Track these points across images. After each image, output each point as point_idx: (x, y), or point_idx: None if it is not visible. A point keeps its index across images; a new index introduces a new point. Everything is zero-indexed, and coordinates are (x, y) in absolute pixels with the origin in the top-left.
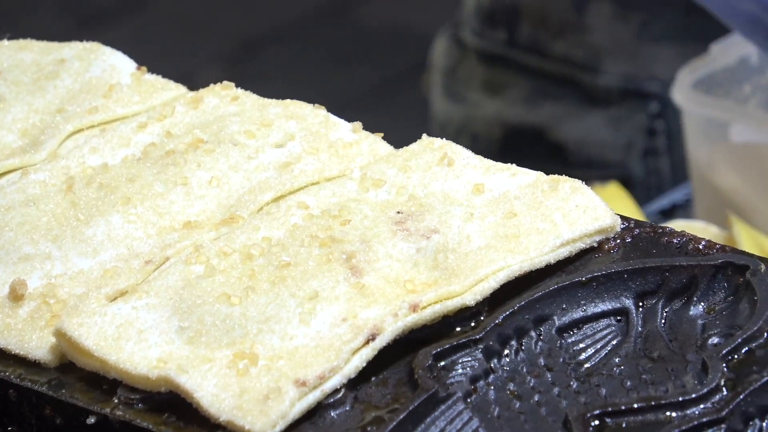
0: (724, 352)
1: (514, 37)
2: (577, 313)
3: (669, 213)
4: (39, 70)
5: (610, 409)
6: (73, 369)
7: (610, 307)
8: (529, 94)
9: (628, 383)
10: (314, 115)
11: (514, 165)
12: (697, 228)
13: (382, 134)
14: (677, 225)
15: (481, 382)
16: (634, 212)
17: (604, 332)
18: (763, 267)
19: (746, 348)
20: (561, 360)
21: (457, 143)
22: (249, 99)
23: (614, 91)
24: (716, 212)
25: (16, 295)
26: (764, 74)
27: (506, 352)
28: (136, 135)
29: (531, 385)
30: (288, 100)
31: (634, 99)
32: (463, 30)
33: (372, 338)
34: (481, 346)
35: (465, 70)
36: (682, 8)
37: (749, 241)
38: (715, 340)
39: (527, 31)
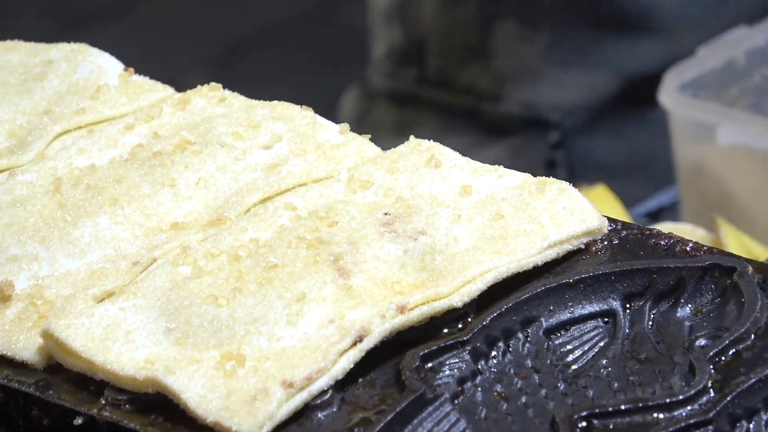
0: (712, 353)
1: (424, 73)
2: (565, 315)
3: (656, 216)
4: (26, 71)
5: (597, 410)
6: (60, 370)
7: (597, 308)
8: (436, 131)
9: (616, 385)
10: (301, 117)
11: (501, 167)
12: (684, 230)
13: (369, 136)
14: (664, 227)
15: (469, 384)
16: (622, 215)
17: (592, 334)
18: (750, 269)
19: (733, 350)
20: (548, 361)
21: None
22: (236, 100)
23: (515, 120)
24: (703, 215)
25: (3, 296)
26: (751, 77)
27: (493, 353)
28: (124, 136)
29: (518, 386)
30: (275, 102)
31: (534, 128)
32: (372, 78)
33: (359, 340)
34: (468, 348)
35: (375, 116)
36: (590, 28)
37: (736, 243)
38: (702, 341)
39: (436, 64)
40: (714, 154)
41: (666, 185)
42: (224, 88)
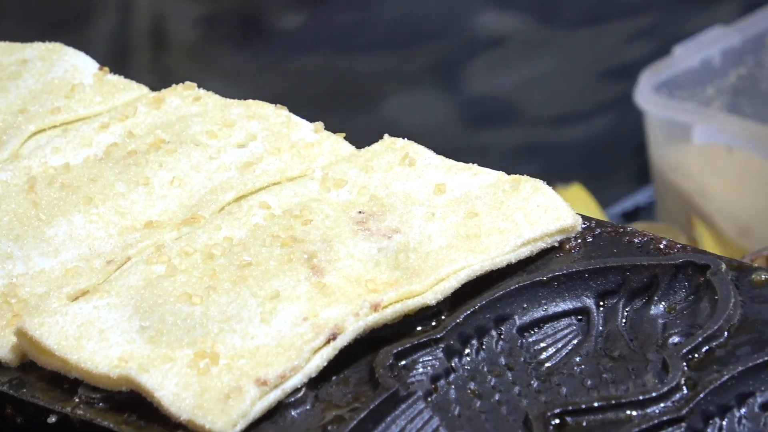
0: (685, 351)
1: None
2: (538, 313)
3: (632, 215)
4: (1, 70)
5: (570, 408)
6: (34, 368)
7: (571, 306)
8: None
9: (589, 382)
10: (276, 116)
11: (475, 165)
12: (659, 229)
13: (343, 134)
14: (639, 227)
15: (442, 381)
16: (597, 214)
17: (565, 331)
18: (723, 266)
19: (706, 347)
20: (522, 359)
21: None
22: (211, 99)
23: None
24: (679, 214)
25: None
26: (727, 76)
27: (467, 351)
28: (98, 135)
29: (492, 384)
30: (250, 101)
31: None
32: None
33: (333, 337)
34: (442, 346)
35: None
36: None
37: (711, 242)
38: (675, 339)
39: None
40: (690, 153)
41: (642, 185)
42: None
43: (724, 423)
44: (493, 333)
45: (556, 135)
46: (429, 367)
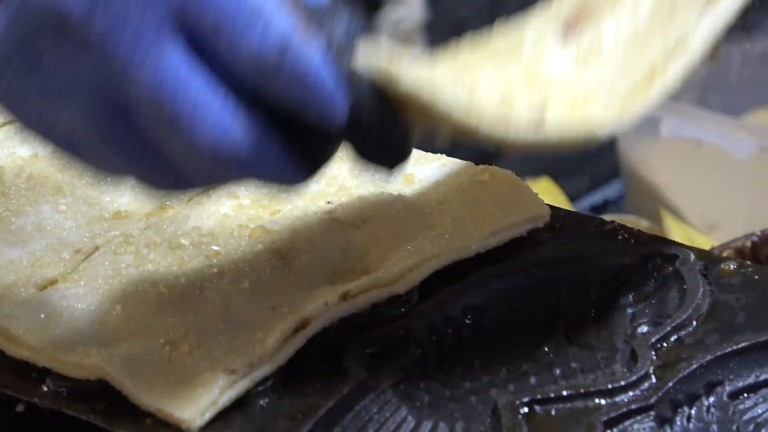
0: (653, 340)
1: None
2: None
3: (601, 209)
4: None
5: (539, 396)
6: (2, 357)
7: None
8: None
9: (558, 371)
10: None
11: (444, 155)
12: (628, 222)
13: None
14: (608, 218)
15: (411, 371)
16: (567, 207)
17: None
18: (692, 256)
19: (675, 336)
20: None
21: None
22: None
23: None
24: (648, 208)
25: None
26: (696, 70)
27: (434, 338)
28: None
29: (461, 373)
30: None
31: None
32: None
33: (302, 327)
34: (411, 335)
35: None
36: None
37: (680, 235)
38: (644, 328)
39: None
40: (658, 147)
41: (610, 179)
42: None
43: (693, 411)
44: (462, 322)
45: None
46: (398, 357)
